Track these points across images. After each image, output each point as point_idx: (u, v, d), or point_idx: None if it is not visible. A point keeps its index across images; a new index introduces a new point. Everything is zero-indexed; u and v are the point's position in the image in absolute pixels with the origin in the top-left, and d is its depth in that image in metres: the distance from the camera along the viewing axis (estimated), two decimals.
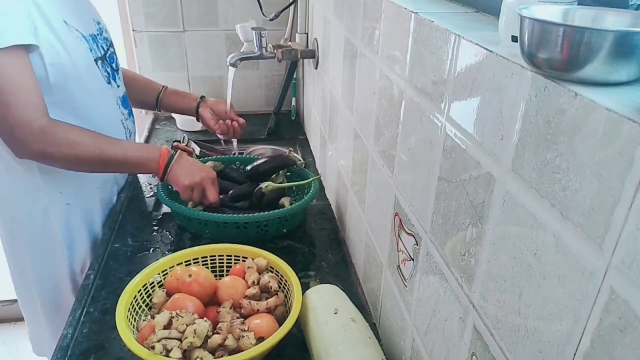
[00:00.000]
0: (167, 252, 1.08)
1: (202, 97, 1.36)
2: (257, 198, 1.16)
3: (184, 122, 1.75)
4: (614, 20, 0.42)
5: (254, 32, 1.50)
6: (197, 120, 1.36)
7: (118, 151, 1.03)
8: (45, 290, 1.16)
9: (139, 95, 1.31)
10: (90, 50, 1.05)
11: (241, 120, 1.38)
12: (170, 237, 1.15)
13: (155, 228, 1.18)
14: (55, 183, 1.08)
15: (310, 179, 1.20)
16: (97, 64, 1.07)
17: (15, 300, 1.24)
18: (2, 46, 0.87)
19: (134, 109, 1.27)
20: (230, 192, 1.18)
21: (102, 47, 1.11)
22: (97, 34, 1.11)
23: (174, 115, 1.76)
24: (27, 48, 0.91)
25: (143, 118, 1.82)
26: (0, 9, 0.87)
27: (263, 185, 1.16)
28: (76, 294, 1.16)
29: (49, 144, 0.95)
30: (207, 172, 1.11)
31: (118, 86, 1.16)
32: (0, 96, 0.89)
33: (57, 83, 0.97)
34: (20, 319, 1.23)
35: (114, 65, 1.16)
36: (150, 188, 1.36)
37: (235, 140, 1.44)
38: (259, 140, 1.69)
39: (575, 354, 0.37)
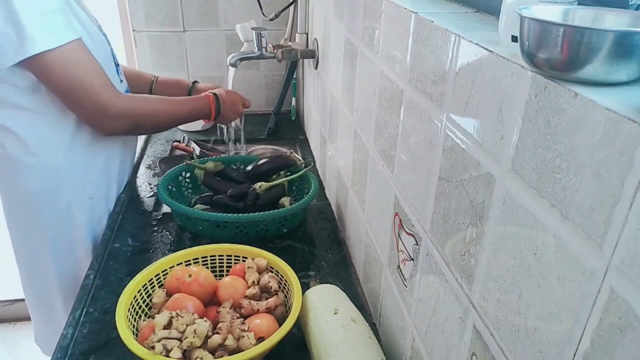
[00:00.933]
0: (167, 252, 1.08)
1: (194, 83, 1.41)
2: (252, 199, 1.16)
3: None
4: (614, 20, 0.42)
5: (254, 32, 1.50)
6: None
7: (181, 110, 1.19)
8: (66, 285, 1.17)
9: (133, 87, 1.32)
10: (109, 44, 1.12)
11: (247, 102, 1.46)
12: (170, 237, 1.15)
13: (155, 228, 1.18)
14: (78, 178, 1.10)
15: (302, 170, 1.20)
16: (112, 56, 1.13)
17: (16, 300, 1.24)
18: (64, 42, 0.93)
19: None
20: (229, 191, 1.18)
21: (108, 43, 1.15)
22: (100, 30, 1.13)
23: None
24: (80, 40, 0.97)
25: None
26: (49, 8, 0.91)
27: (256, 185, 1.16)
28: None
29: (137, 115, 1.07)
30: (240, 102, 1.34)
31: (121, 81, 1.19)
32: (84, 83, 0.97)
33: None
34: (20, 319, 1.23)
35: (115, 61, 1.17)
36: (150, 188, 1.36)
37: (242, 138, 1.51)
38: (259, 140, 1.69)
39: (575, 354, 0.37)
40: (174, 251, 1.00)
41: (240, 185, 1.21)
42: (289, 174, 1.25)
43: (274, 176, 1.24)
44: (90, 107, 1.00)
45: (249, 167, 1.24)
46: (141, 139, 1.65)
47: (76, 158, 1.09)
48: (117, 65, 1.18)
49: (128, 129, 1.09)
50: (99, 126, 1.06)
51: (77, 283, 1.15)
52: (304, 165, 1.26)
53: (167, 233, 1.16)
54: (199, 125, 1.74)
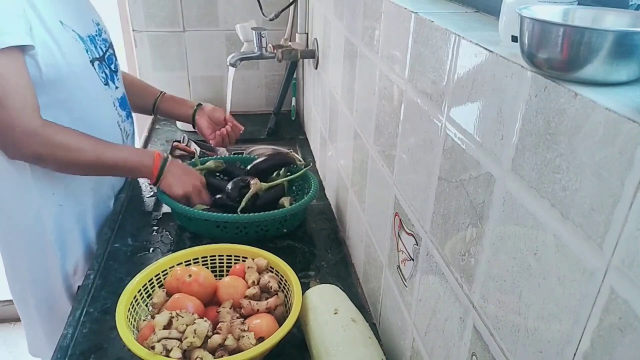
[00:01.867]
0: (167, 252, 1.08)
1: (200, 105, 1.35)
2: (252, 196, 1.14)
3: (184, 123, 1.75)
4: (614, 20, 0.42)
5: (253, 32, 1.50)
6: (193, 127, 1.36)
7: (111, 156, 1.04)
8: (39, 291, 1.15)
9: (137, 99, 1.30)
10: (87, 51, 1.04)
11: (239, 126, 1.36)
12: (170, 237, 1.15)
13: (155, 228, 1.18)
14: (47, 184, 1.06)
15: (302, 170, 1.20)
16: (93, 65, 1.06)
17: None
18: None
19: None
20: (227, 187, 1.15)
21: (101, 48, 1.10)
22: (96, 35, 1.10)
23: None
24: (23, 49, 0.90)
25: (144, 118, 1.81)
26: None
27: (253, 181, 1.14)
28: (70, 296, 1.16)
29: (43, 146, 0.95)
30: (197, 179, 1.15)
31: (117, 87, 1.15)
32: None
33: (51, 83, 0.97)
34: (19, 319, 1.23)
35: (112, 66, 1.14)
36: (150, 188, 1.36)
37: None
38: (259, 140, 1.69)
39: (575, 354, 0.37)
40: (174, 251, 1.01)
41: (235, 180, 1.17)
42: (289, 174, 1.25)
43: (274, 175, 1.24)
44: None
45: (249, 166, 1.24)
46: (141, 139, 1.65)
47: None
48: (114, 71, 1.14)
49: (33, 155, 0.97)
50: (1, 145, 0.97)
51: (49, 289, 1.14)
52: (303, 165, 1.26)
53: (167, 233, 1.16)
54: None
